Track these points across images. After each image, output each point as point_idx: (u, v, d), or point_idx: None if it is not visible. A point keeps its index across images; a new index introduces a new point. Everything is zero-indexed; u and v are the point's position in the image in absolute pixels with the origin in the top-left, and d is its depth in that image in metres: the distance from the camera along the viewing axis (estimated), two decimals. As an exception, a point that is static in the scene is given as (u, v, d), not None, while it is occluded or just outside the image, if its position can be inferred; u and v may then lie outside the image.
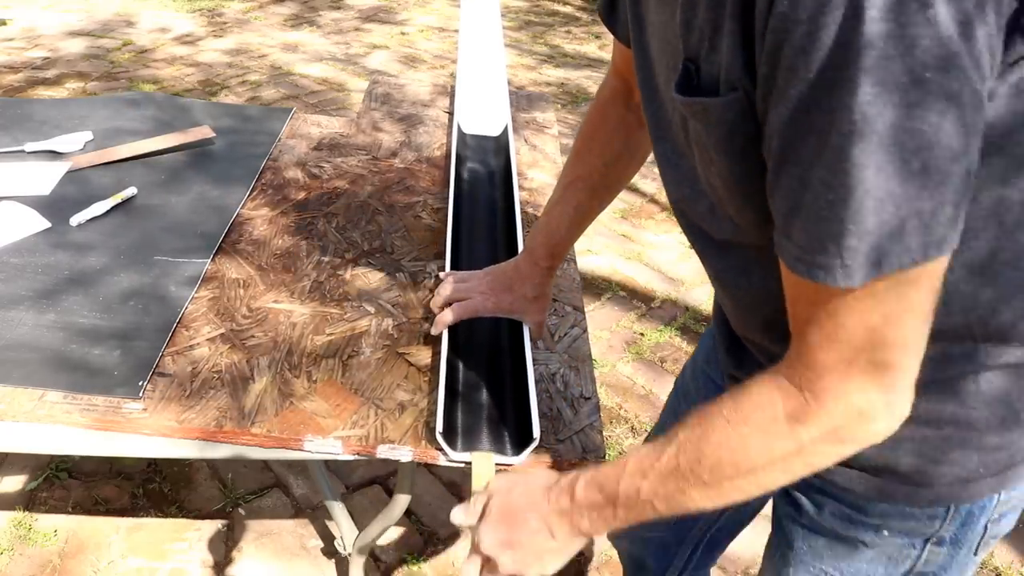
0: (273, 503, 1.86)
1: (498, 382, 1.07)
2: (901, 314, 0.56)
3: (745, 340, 0.83)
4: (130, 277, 1.22)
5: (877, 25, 0.47)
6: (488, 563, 0.79)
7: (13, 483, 1.85)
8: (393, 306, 1.22)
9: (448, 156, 1.65)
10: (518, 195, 1.41)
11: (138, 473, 1.90)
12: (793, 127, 0.52)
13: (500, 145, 1.62)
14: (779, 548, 0.90)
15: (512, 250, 1.26)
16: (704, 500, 0.67)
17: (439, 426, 0.93)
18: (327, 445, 0.97)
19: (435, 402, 1.01)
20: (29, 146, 1.56)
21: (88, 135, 1.62)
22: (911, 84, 0.48)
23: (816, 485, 0.81)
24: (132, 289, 1.20)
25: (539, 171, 1.64)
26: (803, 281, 0.57)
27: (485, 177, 1.51)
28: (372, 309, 1.21)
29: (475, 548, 0.80)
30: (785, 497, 0.86)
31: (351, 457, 0.98)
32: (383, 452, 0.97)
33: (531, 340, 1.08)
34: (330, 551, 1.75)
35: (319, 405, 1.02)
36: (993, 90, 0.55)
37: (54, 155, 1.55)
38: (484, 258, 1.26)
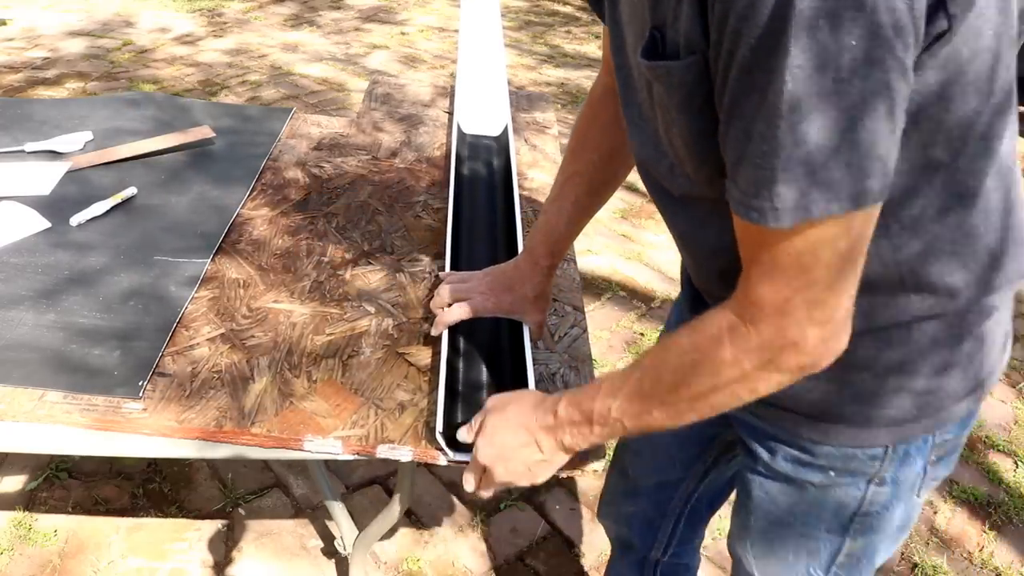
0: (273, 503, 1.86)
1: (498, 382, 1.07)
2: (831, 256, 0.62)
3: (705, 294, 0.89)
4: (130, 277, 1.22)
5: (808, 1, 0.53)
6: (485, 473, 0.88)
7: (13, 483, 1.85)
8: (393, 306, 1.22)
9: (448, 156, 1.65)
10: (518, 195, 1.41)
11: (138, 473, 1.90)
12: (739, 85, 0.59)
13: (500, 145, 1.62)
14: (741, 498, 0.96)
15: (512, 250, 1.26)
16: (664, 419, 0.75)
17: (439, 426, 0.93)
18: (327, 445, 0.97)
19: (435, 402, 1.01)
20: (29, 146, 1.56)
21: (88, 135, 1.62)
22: (839, 51, 0.54)
23: (769, 432, 0.88)
24: (132, 289, 1.20)
25: (539, 171, 1.64)
26: (746, 223, 0.63)
27: (485, 177, 1.51)
28: (372, 309, 1.21)
29: (473, 459, 0.89)
30: (743, 448, 0.93)
31: (351, 457, 0.98)
32: (383, 452, 0.97)
33: (531, 340, 1.08)
34: (330, 551, 1.75)
35: (319, 405, 1.02)
36: (923, 62, 0.61)
37: (54, 155, 1.55)
38: (484, 258, 1.26)
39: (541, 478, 0.88)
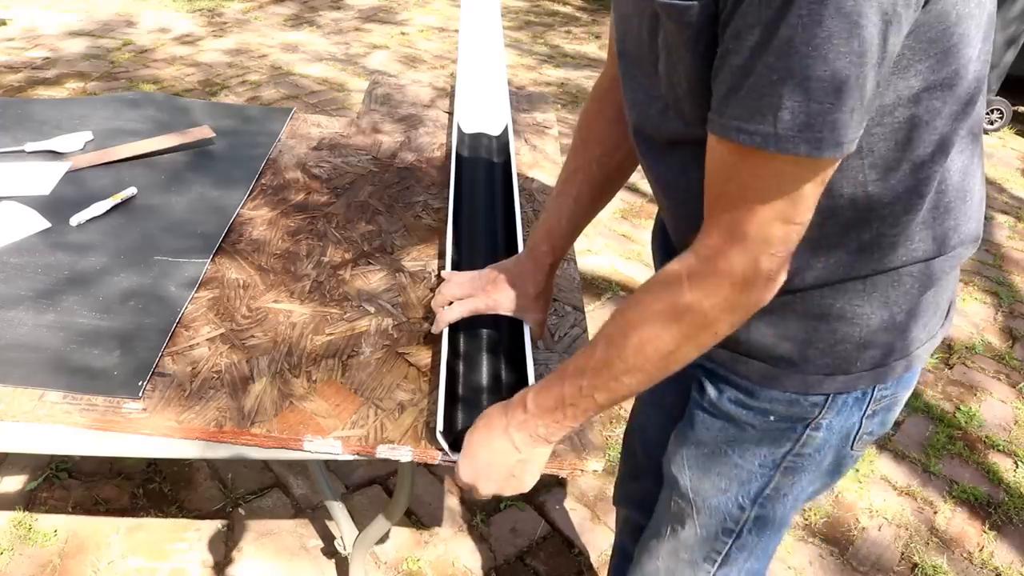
0: (273, 503, 1.86)
1: (498, 382, 1.07)
2: (796, 197, 0.66)
3: (681, 248, 0.89)
4: (130, 277, 1.22)
5: None
6: (471, 488, 0.90)
7: (13, 483, 1.85)
8: (393, 306, 1.22)
9: (448, 156, 1.65)
10: (518, 195, 1.41)
11: (138, 473, 1.90)
12: (743, 18, 0.61)
13: (500, 145, 1.62)
14: (682, 428, 0.99)
15: (512, 250, 1.26)
16: (636, 384, 0.78)
17: (439, 426, 0.93)
18: (327, 445, 0.97)
19: (435, 402, 1.01)
20: (29, 146, 1.56)
21: (88, 135, 1.62)
22: None
23: (720, 374, 0.91)
24: (132, 289, 1.20)
25: (539, 171, 1.64)
26: (728, 150, 0.66)
27: (485, 177, 1.50)
28: (372, 309, 1.21)
29: (457, 478, 0.90)
30: (696, 385, 0.96)
31: (351, 457, 0.98)
32: (383, 452, 0.97)
33: (532, 340, 1.08)
34: (330, 551, 1.75)
35: (319, 405, 1.02)
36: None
37: (54, 155, 1.55)
38: (484, 257, 1.26)
39: (527, 482, 0.89)
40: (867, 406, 0.87)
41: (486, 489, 0.90)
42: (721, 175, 0.69)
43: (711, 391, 0.93)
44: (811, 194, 0.67)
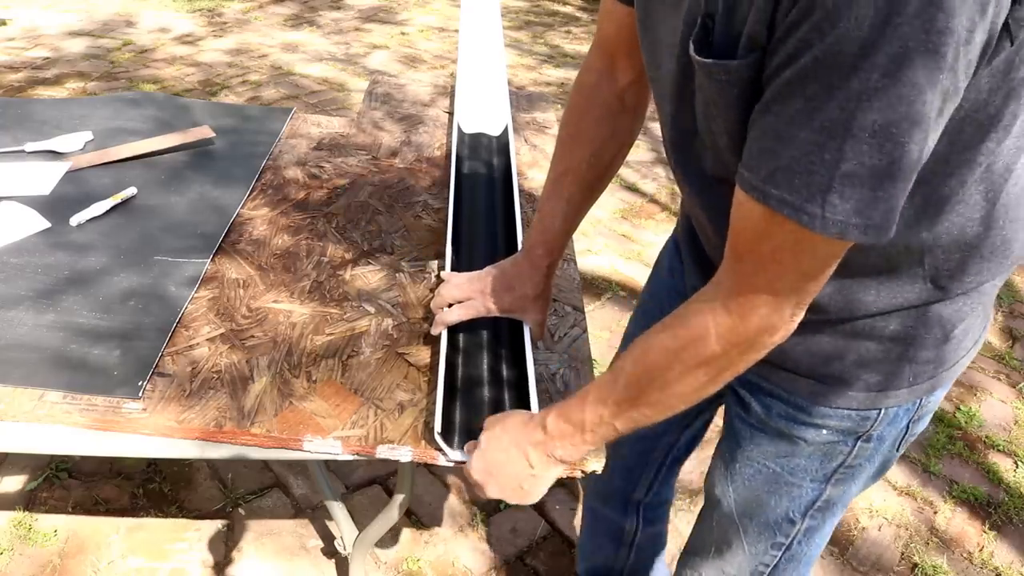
0: (273, 503, 1.86)
1: (498, 382, 1.07)
2: (825, 264, 0.66)
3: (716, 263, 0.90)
4: (130, 277, 1.22)
5: (903, 28, 0.52)
6: (477, 488, 0.90)
7: (13, 483, 1.85)
8: (393, 306, 1.22)
9: (448, 156, 1.65)
10: (518, 195, 1.41)
11: (138, 473, 1.90)
12: (798, 80, 0.57)
13: (500, 145, 1.62)
14: (728, 445, 0.99)
15: (512, 250, 1.26)
16: (654, 415, 0.79)
17: (438, 426, 0.93)
18: (327, 445, 0.97)
19: (435, 402, 1.01)
20: (29, 146, 1.56)
21: (88, 135, 1.62)
22: (910, 84, 0.54)
23: (766, 388, 0.91)
24: (132, 289, 1.20)
25: (539, 171, 1.64)
26: (765, 215, 0.63)
27: (485, 177, 1.50)
28: (372, 309, 1.21)
29: (467, 474, 0.91)
30: (735, 399, 0.96)
31: (351, 457, 0.98)
32: (383, 452, 0.97)
33: (532, 340, 1.08)
34: (330, 551, 1.75)
35: (319, 405, 1.02)
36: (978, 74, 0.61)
37: (54, 155, 1.55)
38: (484, 258, 1.26)
39: (533, 496, 0.90)
40: (915, 413, 0.88)
41: (492, 493, 0.90)
42: (753, 234, 0.67)
43: (758, 408, 0.93)
44: (838, 258, 0.67)
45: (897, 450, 0.92)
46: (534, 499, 0.90)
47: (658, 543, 1.47)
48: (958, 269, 0.77)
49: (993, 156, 0.69)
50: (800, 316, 0.71)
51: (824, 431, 0.88)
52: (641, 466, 1.28)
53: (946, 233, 0.74)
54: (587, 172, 1.03)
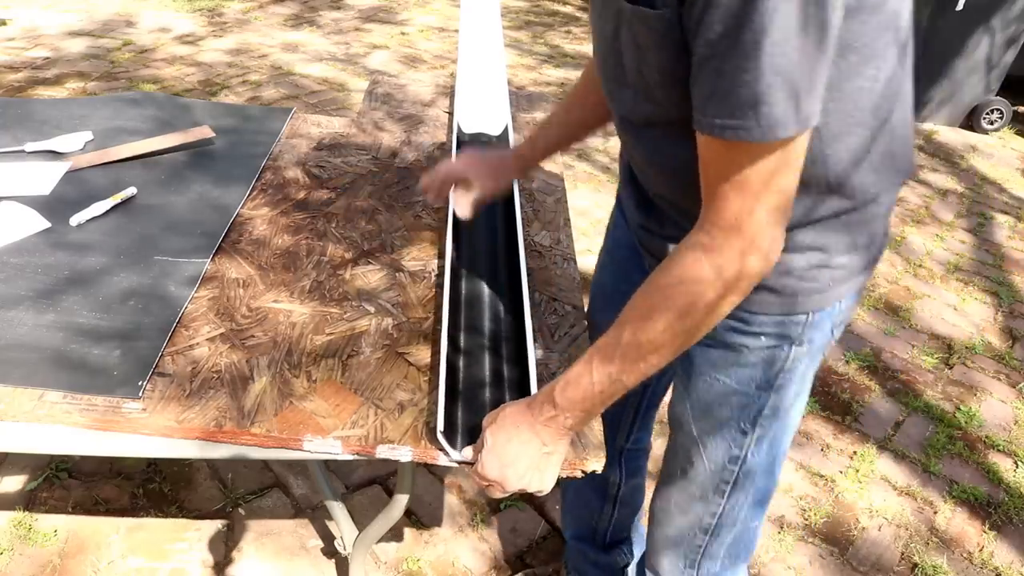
0: (273, 503, 1.86)
1: (499, 382, 1.07)
2: (786, 167, 0.75)
3: (655, 197, 1.00)
4: (130, 277, 1.22)
5: None
6: (494, 486, 0.91)
7: (13, 483, 1.85)
8: (393, 306, 1.22)
9: (449, 156, 1.65)
10: (518, 195, 1.41)
11: (138, 473, 1.90)
12: (712, 29, 0.70)
13: (501, 145, 1.62)
14: (683, 366, 1.07)
15: (513, 250, 1.27)
16: (661, 360, 0.84)
17: (440, 425, 0.93)
18: (327, 445, 0.97)
19: (435, 402, 1.01)
20: (29, 146, 1.56)
21: (88, 135, 1.62)
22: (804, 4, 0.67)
23: None
24: (132, 289, 1.20)
25: (539, 171, 1.64)
26: (719, 146, 0.74)
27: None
28: (372, 309, 1.21)
29: (480, 476, 0.91)
30: None
31: (351, 457, 0.98)
32: (383, 452, 0.97)
33: (531, 337, 1.08)
34: (330, 551, 1.75)
35: (319, 405, 1.02)
36: None
37: (54, 155, 1.55)
38: (485, 257, 1.26)
39: (550, 476, 0.93)
40: (836, 317, 1.00)
41: (512, 486, 0.91)
42: (716, 166, 0.76)
43: None
44: (800, 159, 0.76)
45: (823, 354, 1.04)
46: (550, 482, 0.93)
47: (638, 497, 1.53)
48: (857, 181, 0.88)
49: (876, 82, 0.81)
50: (783, 235, 0.79)
51: (763, 338, 0.99)
52: (620, 412, 1.36)
53: (845, 149, 0.85)
54: (576, 131, 1.24)
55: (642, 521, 1.60)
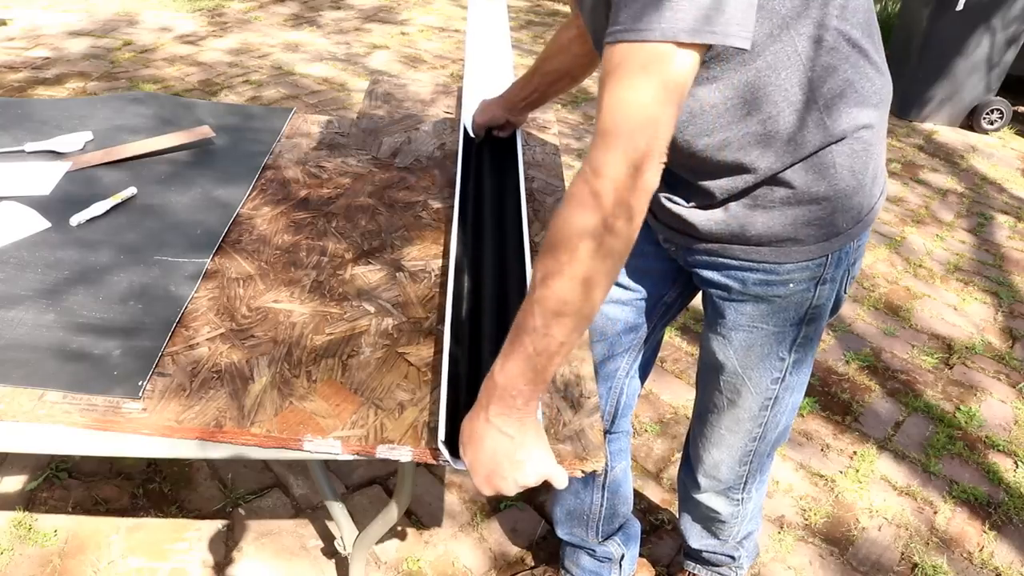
0: (273, 503, 1.86)
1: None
2: (669, 84, 0.79)
3: None
4: (130, 277, 1.22)
5: None
6: (497, 492, 0.91)
7: (13, 483, 1.85)
8: (393, 306, 1.22)
9: (449, 156, 1.65)
10: (524, 194, 1.41)
11: (138, 473, 1.90)
12: None
13: (504, 145, 1.62)
14: (718, 321, 1.21)
15: (519, 249, 1.27)
16: (578, 302, 0.83)
17: (441, 434, 0.93)
18: (326, 445, 0.97)
19: (435, 402, 1.01)
20: (29, 146, 1.56)
21: (88, 135, 1.62)
22: None
23: (736, 265, 1.13)
24: (132, 289, 1.20)
25: (539, 171, 1.64)
26: (618, 53, 0.79)
27: (489, 176, 1.50)
28: (372, 309, 1.21)
29: (482, 489, 0.91)
30: (712, 286, 1.19)
31: (351, 457, 0.98)
32: (383, 452, 0.97)
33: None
34: (330, 551, 1.75)
35: (319, 405, 1.02)
36: None
37: (54, 155, 1.55)
38: (489, 257, 1.26)
39: (536, 464, 0.89)
40: (853, 254, 1.12)
41: (507, 487, 0.89)
42: (609, 77, 0.80)
43: (735, 284, 1.14)
44: (686, 82, 0.80)
45: (844, 290, 1.17)
46: (543, 467, 0.89)
47: (625, 484, 1.55)
48: (839, 115, 0.98)
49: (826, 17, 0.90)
50: (663, 155, 0.81)
51: (791, 284, 1.11)
52: (604, 393, 1.42)
53: (828, 89, 0.94)
54: (551, 84, 1.47)
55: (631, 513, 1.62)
